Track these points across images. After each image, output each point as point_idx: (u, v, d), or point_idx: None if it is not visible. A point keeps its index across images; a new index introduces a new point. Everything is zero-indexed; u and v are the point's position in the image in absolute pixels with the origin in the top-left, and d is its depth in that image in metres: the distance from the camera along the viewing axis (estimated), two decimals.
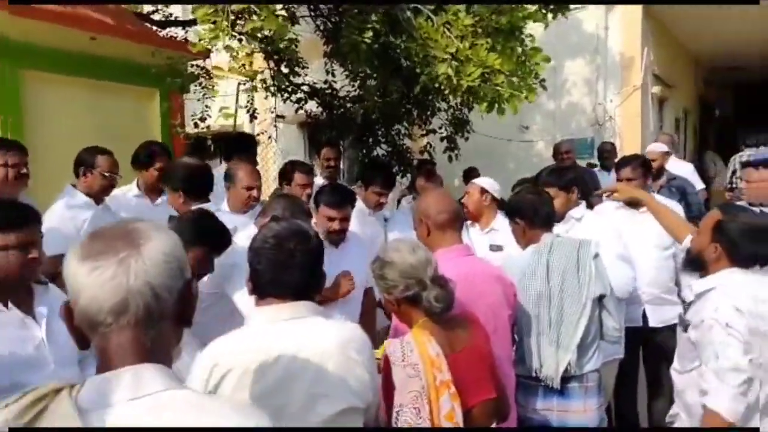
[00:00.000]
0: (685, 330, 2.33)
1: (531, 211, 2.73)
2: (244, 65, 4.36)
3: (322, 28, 5.86)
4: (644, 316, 3.47)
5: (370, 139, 6.18)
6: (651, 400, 3.67)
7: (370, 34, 4.21)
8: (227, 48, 3.85)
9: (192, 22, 6.34)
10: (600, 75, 8.37)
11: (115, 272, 0.98)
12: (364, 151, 6.24)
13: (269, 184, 7.06)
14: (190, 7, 5.98)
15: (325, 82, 6.23)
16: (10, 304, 2.03)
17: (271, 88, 6.08)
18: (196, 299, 1.13)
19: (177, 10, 7.29)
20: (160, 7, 7.07)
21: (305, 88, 6.23)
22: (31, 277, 2.10)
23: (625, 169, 3.59)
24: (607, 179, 5.81)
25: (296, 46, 5.53)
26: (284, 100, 6.34)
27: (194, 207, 2.88)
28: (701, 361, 2.19)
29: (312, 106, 6.38)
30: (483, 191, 3.76)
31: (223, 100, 6.10)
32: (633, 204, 3.37)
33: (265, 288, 1.69)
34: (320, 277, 1.77)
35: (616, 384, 3.37)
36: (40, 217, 2.23)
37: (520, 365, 2.59)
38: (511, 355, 2.53)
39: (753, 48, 10.12)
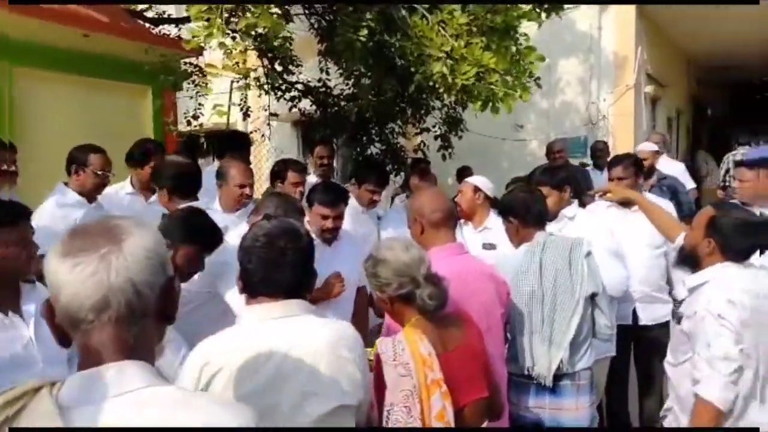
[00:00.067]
0: (679, 322, 2.38)
1: (523, 209, 2.74)
2: (237, 63, 4.35)
3: (316, 26, 5.84)
4: (634, 314, 3.49)
5: (364, 138, 6.17)
6: (642, 397, 3.69)
7: (364, 32, 4.20)
8: (221, 45, 3.84)
9: (185, 20, 6.31)
10: (593, 74, 8.39)
11: (96, 268, 0.97)
12: (358, 149, 6.24)
13: (262, 182, 7.04)
14: (183, 4, 5.96)
15: (319, 80, 6.22)
16: None
17: (265, 86, 6.07)
18: (179, 296, 1.13)
19: (170, 8, 7.27)
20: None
21: (299, 86, 6.21)
22: (25, 275, 2.09)
23: (617, 168, 3.60)
24: (599, 178, 5.83)
25: (290, 44, 5.53)
26: (278, 98, 6.33)
27: (181, 206, 2.86)
28: (694, 351, 2.24)
29: (306, 104, 6.37)
30: (476, 190, 3.77)
31: (217, 98, 6.09)
32: (625, 203, 3.39)
33: (256, 287, 1.68)
34: (311, 276, 1.77)
35: (608, 382, 3.39)
36: (31, 214, 2.22)
37: (513, 363, 2.60)
38: (504, 353, 2.53)
39: (746, 48, 10.17)
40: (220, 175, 3.43)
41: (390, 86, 5.10)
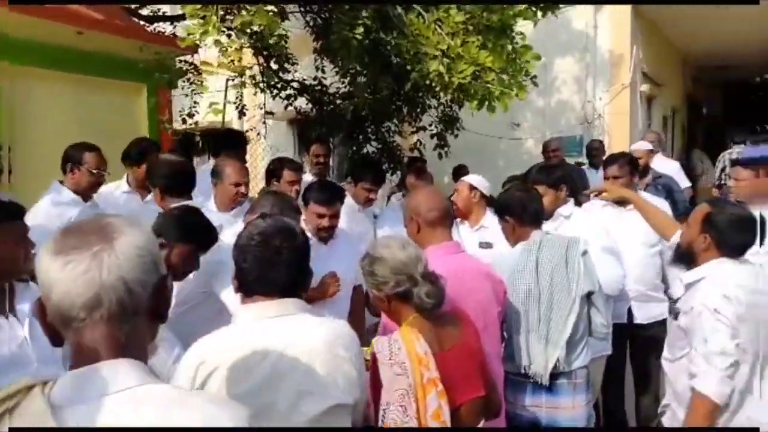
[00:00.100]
0: (676, 318, 2.40)
1: (520, 208, 2.74)
2: (233, 61, 4.33)
3: (311, 24, 5.83)
4: (630, 313, 3.50)
5: (360, 136, 6.16)
6: (638, 396, 3.70)
7: (360, 30, 4.19)
8: (217, 43, 3.82)
9: (180, 17, 6.28)
10: (589, 73, 8.41)
11: (88, 266, 0.97)
12: (354, 148, 6.23)
13: (258, 181, 7.03)
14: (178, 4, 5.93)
15: (315, 78, 6.20)
16: None
17: (261, 84, 6.05)
18: (171, 295, 1.12)
19: (165, 6, 7.23)
20: None
21: (295, 84, 6.20)
22: (21, 274, 2.08)
23: (612, 167, 3.61)
24: (595, 177, 5.84)
25: (286, 42, 5.49)
26: (273, 97, 6.31)
27: (173, 204, 2.84)
28: (691, 346, 2.26)
29: (301, 102, 6.35)
30: (472, 188, 3.77)
31: (212, 96, 6.07)
32: (620, 202, 3.40)
33: (251, 286, 1.67)
34: (307, 274, 1.76)
35: (604, 380, 3.40)
36: (25, 212, 2.21)
37: (509, 362, 2.60)
38: (501, 352, 2.53)
39: (741, 47, 10.21)
40: (216, 174, 3.42)
41: (386, 84, 5.09)
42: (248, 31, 4.11)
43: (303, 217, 3.00)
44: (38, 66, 4.69)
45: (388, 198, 5.90)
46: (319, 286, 2.91)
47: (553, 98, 8.60)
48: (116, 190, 3.81)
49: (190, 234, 2.38)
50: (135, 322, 1.01)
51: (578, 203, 3.63)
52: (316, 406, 1.60)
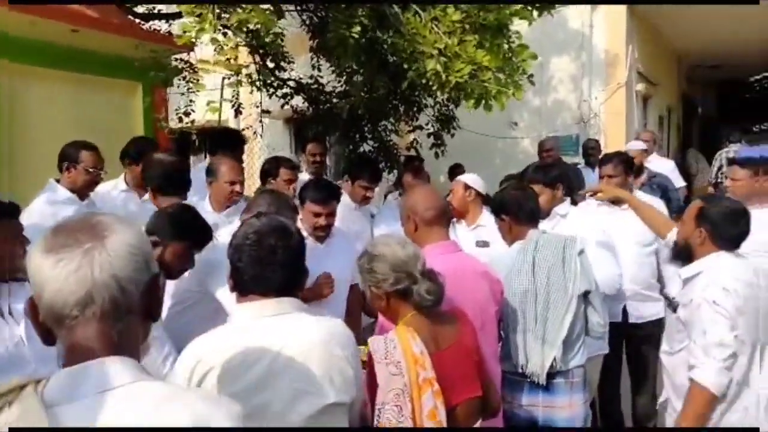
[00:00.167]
0: (674, 311, 2.42)
1: (516, 207, 2.74)
2: (229, 59, 4.32)
3: (308, 22, 5.82)
4: (624, 312, 3.50)
5: (357, 135, 6.15)
6: (634, 395, 3.70)
7: (357, 28, 4.18)
8: (213, 41, 3.81)
9: (176, 15, 6.26)
10: (585, 72, 8.42)
11: (79, 264, 0.96)
12: (351, 147, 6.22)
13: (254, 179, 7.01)
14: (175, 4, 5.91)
15: (311, 77, 6.19)
16: None
17: (257, 83, 6.04)
18: (163, 294, 1.12)
19: (161, 4, 7.20)
20: None
21: (291, 83, 6.19)
22: (16, 273, 2.07)
23: (607, 167, 3.62)
24: (591, 176, 5.85)
25: (282, 40, 5.49)
26: (270, 95, 6.30)
27: (166, 204, 2.83)
28: (690, 338, 2.29)
29: (298, 101, 6.35)
30: (467, 187, 3.77)
31: (209, 95, 6.05)
32: (615, 201, 3.41)
33: (247, 285, 1.67)
34: (303, 273, 1.76)
35: (600, 379, 3.40)
36: (20, 211, 2.20)
37: (506, 361, 2.60)
38: (498, 351, 2.53)
39: (736, 46, 10.24)
40: (210, 172, 3.41)
41: (382, 83, 5.08)
42: (244, 29, 4.10)
43: (300, 216, 2.99)
44: (35, 64, 4.67)
45: (385, 197, 5.91)
46: (314, 287, 2.90)
47: (549, 97, 8.61)
48: (114, 189, 3.79)
49: (184, 232, 2.37)
50: (128, 321, 1.01)
51: (574, 202, 3.64)
52: (312, 405, 1.60)
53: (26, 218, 2.66)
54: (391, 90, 5.37)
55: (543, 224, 2.95)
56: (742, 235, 2.39)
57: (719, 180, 8.24)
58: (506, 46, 4.00)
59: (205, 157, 5.01)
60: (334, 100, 5.96)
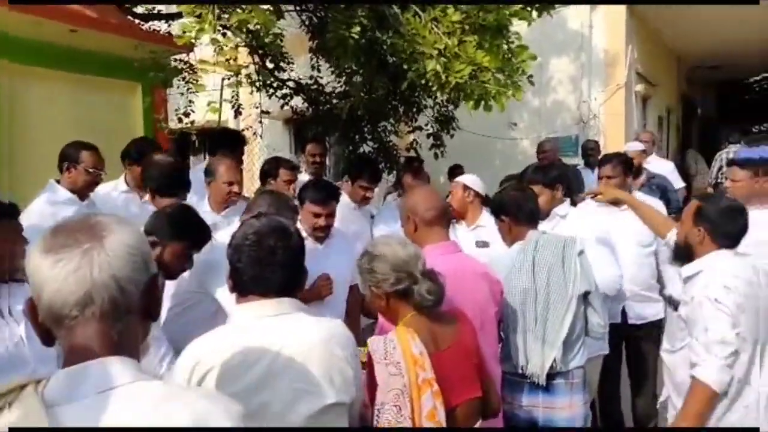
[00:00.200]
0: (675, 309, 2.42)
1: (515, 207, 2.74)
2: (228, 60, 4.32)
3: (307, 23, 5.82)
4: (624, 313, 3.50)
5: (356, 136, 6.15)
6: (634, 395, 3.70)
7: (356, 29, 4.18)
8: (213, 41, 3.81)
9: (175, 16, 6.26)
10: (585, 73, 8.42)
11: (78, 264, 0.96)
12: (350, 147, 6.22)
13: (255, 180, 7.01)
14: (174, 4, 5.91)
15: (311, 77, 6.19)
16: None
17: (257, 84, 6.04)
18: (162, 294, 1.12)
19: (160, 4, 7.20)
20: None
21: (291, 83, 6.19)
22: (15, 273, 2.07)
23: (606, 167, 3.62)
24: (590, 177, 5.85)
25: (281, 40, 5.48)
26: (269, 96, 6.30)
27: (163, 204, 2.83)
28: (692, 336, 2.29)
29: (298, 102, 6.34)
30: (465, 188, 3.77)
31: (210, 95, 6.05)
32: (614, 202, 3.41)
33: (246, 285, 1.67)
34: (302, 274, 1.75)
35: (600, 380, 3.40)
36: (19, 212, 2.19)
37: (506, 362, 2.60)
38: (498, 352, 2.53)
39: (736, 47, 10.24)
40: (209, 173, 3.41)
41: (382, 84, 5.08)
42: (244, 29, 4.09)
43: (299, 216, 2.99)
44: (35, 64, 4.67)
45: (384, 198, 5.91)
46: (312, 288, 2.90)
47: (548, 98, 8.61)
48: (114, 189, 3.79)
49: (182, 232, 2.37)
50: (127, 321, 1.01)
51: (574, 203, 3.64)
52: (311, 405, 1.60)
53: (26, 219, 2.66)
54: (390, 90, 5.37)
55: (542, 225, 2.95)
56: (741, 232, 2.40)
57: (719, 180, 8.25)
58: (506, 47, 4.00)
59: (205, 157, 5.01)
60: (334, 101, 5.96)
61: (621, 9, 8.14)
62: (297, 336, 1.62)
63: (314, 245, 3.05)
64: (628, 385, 3.73)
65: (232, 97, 6.40)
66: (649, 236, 3.34)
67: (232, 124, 7.68)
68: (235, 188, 3.36)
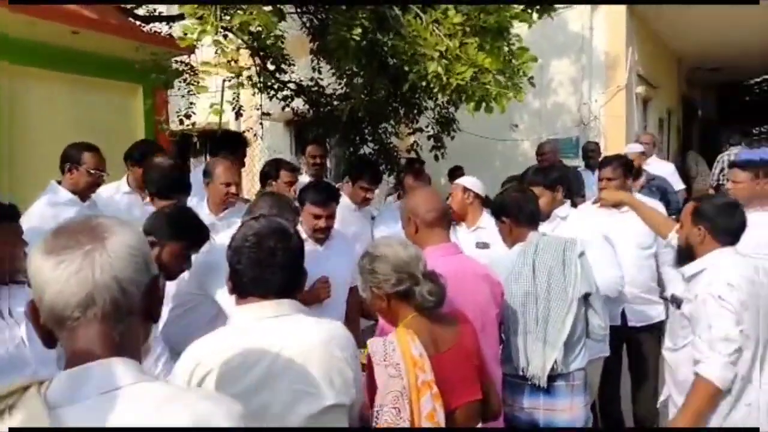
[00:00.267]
0: (678, 307, 2.43)
1: (516, 209, 2.74)
2: (230, 61, 4.31)
3: (308, 24, 5.82)
4: (623, 316, 3.49)
5: (357, 138, 6.16)
6: (635, 398, 3.69)
7: (357, 31, 4.18)
8: (215, 43, 3.81)
9: (176, 18, 6.27)
10: (585, 74, 8.42)
11: (80, 265, 0.97)
12: (351, 149, 6.22)
13: (255, 182, 7.01)
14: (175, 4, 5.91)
15: (312, 79, 6.19)
16: None
17: (257, 85, 6.04)
18: (163, 295, 1.13)
19: (161, 6, 7.21)
20: None
21: (291, 85, 6.19)
22: (15, 275, 2.07)
23: (606, 169, 3.62)
24: (591, 179, 5.85)
25: (282, 42, 5.49)
26: (270, 98, 6.30)
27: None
28: (695, 333, 2.30)
29: (298, 103, 6.35)
30: (465, 190, 3.77)
31: (211, 97, 6.04)
32: (615, 204, 3.41)
33: (246, 287, 1.67)
34: (302, 276, 1.75)
35: (600, 381, 3.40)
36: (19, 214, 2.20)
37: (507, 364, 2.59)
38: (498, 353, 2.53)
39: (736, 49, 10.24)
40: (207, 174, 3.41)
41: (382, 86, 5.08)
42: (246, 31, 4.10)
43: (300, 218, 2.99)
44: (36, 65, 4.67)
45: (385, 199, 5.91)
46: (311, 290, 2.90)
47: (549, 100, 8.61)
48: (117, 191, 3.79)
49: (180, 232, 2.38)
50: (129, 322, 1.02)
51: (574, 204, 3.64)
52: (311, 406, 1.60)
53: (27, 221, 2.66)
54: (391, 92, 5.37)
55: (543, 226, 2.95)
56: (740, 227, 2.42)
57: (720, 182, 8.25)
58: (507, 49, 4.01)
59: (206, 159, 5.01)
60: (335, 103, 5.96)
61: (621, 11, 8.14)
62: (297, 337, 1.62)
63: (314, 247, 3.05)
64: (629, 386, 3.72)
65: (233, 98, 6.41)
66: (649, 238, 3.34)
67: (233, 126, 7.68)
68: (233, 189, 3.35)
